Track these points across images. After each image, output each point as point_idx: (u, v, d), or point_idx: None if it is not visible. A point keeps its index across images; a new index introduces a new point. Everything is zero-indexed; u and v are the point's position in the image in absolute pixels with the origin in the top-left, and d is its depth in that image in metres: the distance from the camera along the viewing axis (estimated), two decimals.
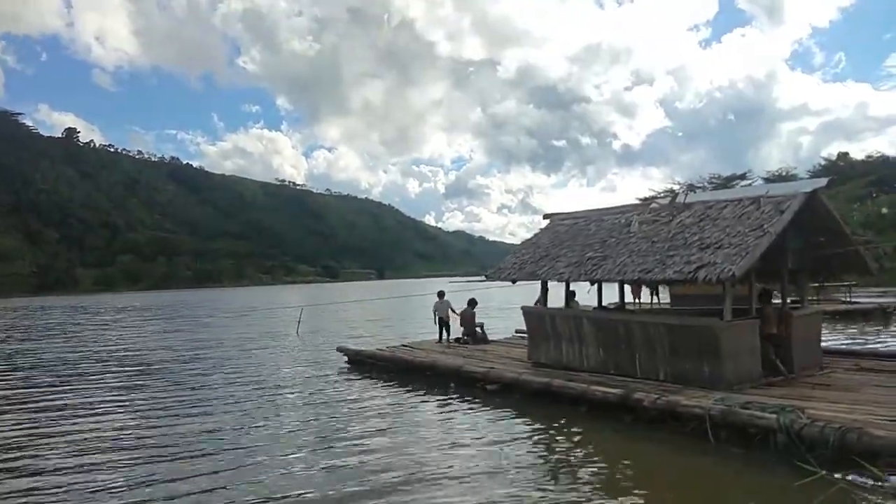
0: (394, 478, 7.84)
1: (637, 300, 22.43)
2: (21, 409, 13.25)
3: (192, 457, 9.07)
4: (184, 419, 11.55)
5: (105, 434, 10.63)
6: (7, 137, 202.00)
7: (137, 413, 12.33)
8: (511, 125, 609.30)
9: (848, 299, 29.65)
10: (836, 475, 6.69)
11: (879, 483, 6.61)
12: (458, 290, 20.83)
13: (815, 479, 5.17)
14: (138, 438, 10.28)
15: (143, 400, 13.72)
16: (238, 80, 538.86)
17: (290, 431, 10.51)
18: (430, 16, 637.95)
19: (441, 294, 19.70)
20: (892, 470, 6.60)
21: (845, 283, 27.69)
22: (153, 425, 11.18)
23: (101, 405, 13.25)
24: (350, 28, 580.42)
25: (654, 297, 22.22)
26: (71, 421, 11.80)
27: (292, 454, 9.11)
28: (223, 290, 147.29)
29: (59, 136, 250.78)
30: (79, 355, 22.70)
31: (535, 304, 14.79)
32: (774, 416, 7.81)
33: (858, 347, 16.33)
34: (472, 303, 18.82)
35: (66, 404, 13.51)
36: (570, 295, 15.18)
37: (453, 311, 19.18)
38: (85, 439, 10.31)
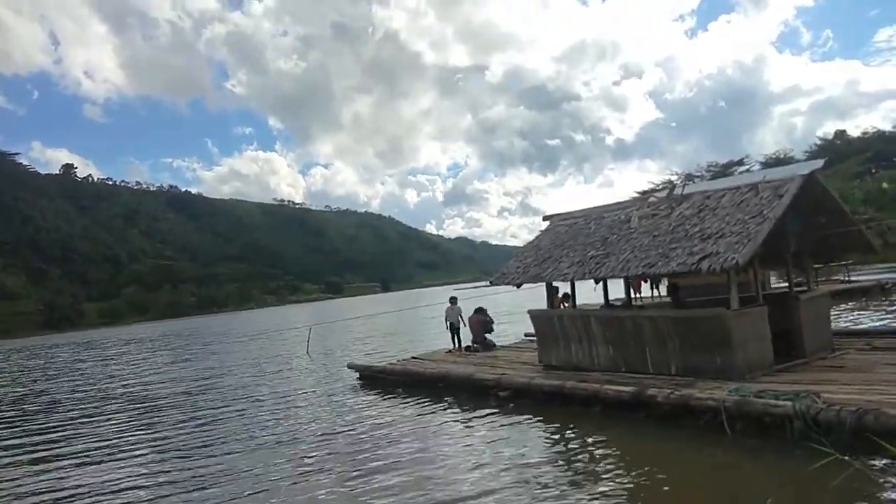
0: (423, 499, 7.71)
1: (637, 294, 22.36)
2: (30, 459, 12.58)
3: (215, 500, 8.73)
4: (202, 459, 10.92)
5: (120, 482, 9.97)
6: (5, 177, 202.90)
7: (152, 456, 11.64)
8: (503, 128, 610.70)
9: (847, 278, 29.62)
10: (855, 457, 6.66)
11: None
12: (465, 298, 20.79)
13: (830, 460, 5.13)
14: (156, 485, 9.62)
15: (158, 440, 12.95)
16: (228, 104, 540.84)
17: (309, 460, 10.13)
18: (414, 26, 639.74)
19: (453, 300, 19.70)
20: None
21: (843, 262, 27.69)
22: (170, 468, 10.50)
23: (113, 450, 12.49)
24: (335, 44, 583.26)
25: (655, 291, 22.15)
26: (81, 471, 11.03)
27: (316, 486, 8.90)
28: (229, 314, 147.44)
29: (57, 172, 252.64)
30: (87, 395, 22.29)
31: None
32: (790, 403, 7.78)
33: (870, 327, 16.26)
34: (480, 310, 18.81)
35: (75, 451, 12.76)
36: (565, 296, 15.22)
37: (461, 317, 19.20)
38: (98, 490, 9.70)
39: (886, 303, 23.17)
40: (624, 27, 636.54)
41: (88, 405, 19.44)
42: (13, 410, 20.38)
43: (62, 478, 10.78)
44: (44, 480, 10.70)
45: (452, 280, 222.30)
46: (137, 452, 12.10)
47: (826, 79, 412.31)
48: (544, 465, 8.48)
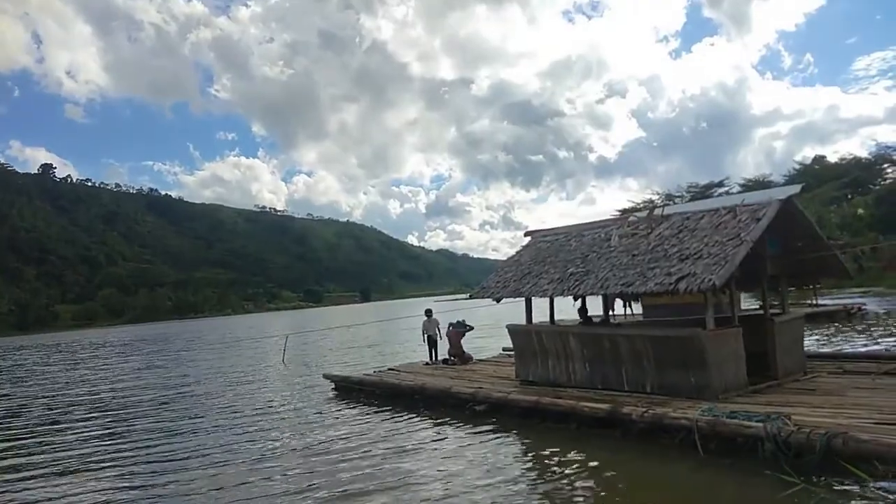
0: None
1: (611, 312, 22.39)
2: None
3: None
4: (169, 473, 10.33)
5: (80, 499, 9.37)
6: None
7: (117, 471, 10.85)
8: (487, 142, 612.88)
9: (814, 302, 30.12)
10: (823, 482, 6.76)
11: (863, 485, 6.67)
12: (444, 311, 20.79)
13: (798, 489, 5.19)
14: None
15: (123, 453, 12.14)
16: (212, 109, 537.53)
17: (277, 475, 9.86)
18: (401, 37, 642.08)
19: (429, 312, 19.70)
20: (881, 472, 6.67)
21: (810, 286, 28.18)
22: (136, 484, 9.88)
23: (75, 462, 11.72)
24: (321, 52, 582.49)
25: (628, 309, 22.24)
26: (38, 484, 10.30)
27: (285, 491, 8.90)
28: (206, 320, 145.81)
29: (35, 172, 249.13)
30: (50, 401, 21.34)
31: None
32: (761, 424, 7.85)
33: (841, 350, 16.51)
34: (460, 324, 18.83)
35: (33, 462, 11.93)
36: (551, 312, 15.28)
37: (438, 330, 19.20)
38: None
39: (849, 327, 23.62)
40: (609, 46, 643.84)
41: (51, 412, 18.74)
42: None
43: (17, 491, 10.04)
44: None
45: (433, 292, 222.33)
46: (99, 466, 11.30)
47: (806, 103, 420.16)
48: (517, 481, 8.45)
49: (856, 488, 6.74)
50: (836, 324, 25.09)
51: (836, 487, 6.83)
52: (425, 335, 19.31)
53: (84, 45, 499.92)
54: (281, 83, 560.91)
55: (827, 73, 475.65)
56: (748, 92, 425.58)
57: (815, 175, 73.31)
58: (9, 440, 14.73)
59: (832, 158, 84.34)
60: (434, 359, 18.62)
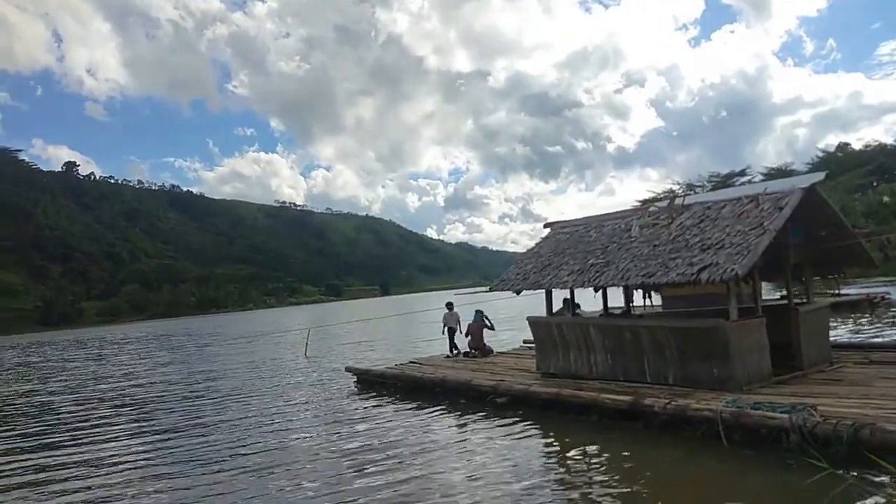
0: None
1: (631, 303, 22.15)
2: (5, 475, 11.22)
3: None
4: (199, 467, 10.35)
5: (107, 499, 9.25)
6: (7, 174, 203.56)
7: (141, 467, 10.80)
8: (504, 134, 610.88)
9: (837, 291, 29.66)
10: (850, 472, 6.67)
11: (893, 478, 6.57)
12: (463, 304, 20.79)
13: (825, 475, 5.13)
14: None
15: (147, 450, 12.08)
16: (230, 105, 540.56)
17: (300, 466, 10.09)
18: (417, 30, 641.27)
19: (450, 305, 19.75)
20: None
21: (832, 276, 27.71)
22: (160, 483, 9.71)
23: (100, 460, 11.53)
24: (338, 47, 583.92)
25: (648, 300, 22.01)
26: (61, 486, 10.06)
27: (306, 492, 8.88)
28: (228, 315, 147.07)
29: (59, 170, 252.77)
30: (75, 397, 21.15)
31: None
32: (786, 415, 7.77)
33: (867, 340, 16.28)
34: (479, 315, 18.82)
35: (59, 463, 11.58)
36: (567, 304, 15.23)
37: (459, 323, 19.22)
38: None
39: (874, 317, 23.25)
40: (627, 35, 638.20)
41: (78, 408, 18.66)
42: None
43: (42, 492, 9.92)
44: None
45: (453, 285, 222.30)
46: (125, 463, 11.14)
47: (829, 90, 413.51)
48: (540, 473, 8.47)
49: (885, 479, 6.65)
50: (859, 313, 24.72)
51: (863, 477, 6.74)
52: (446, 327, 19.34)
53: (103, 43, 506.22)
54: (298, 78, 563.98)
55: (850, 59, 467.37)
56: (769, 79, 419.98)
57: (839, 163, 72.19)
58: (31, 438, 14.63)
59: (856, 146, 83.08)
60: (454, 351, 18.65)
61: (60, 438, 14.24)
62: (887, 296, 29.10)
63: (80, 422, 16.26)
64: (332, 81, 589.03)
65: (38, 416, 18.17)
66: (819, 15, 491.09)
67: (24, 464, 11.90)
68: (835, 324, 20.56)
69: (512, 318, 19.85)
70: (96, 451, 12.54)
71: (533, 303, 16.28)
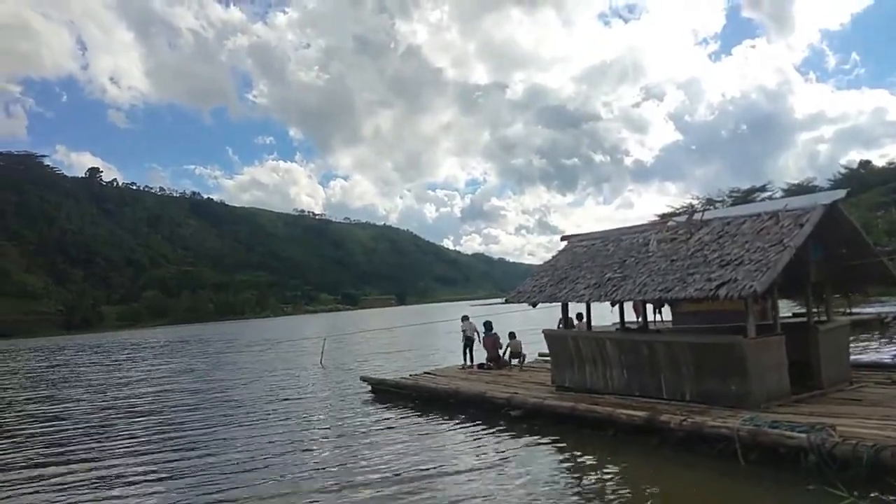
0: None
1: (639, 318, 21.92)
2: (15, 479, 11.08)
3: None
4: (217, 477, 10.21)
5: None
6: (32, 179, 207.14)
7: (158, 479, 10.50)
8: (522, 146, 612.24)
9: (847, 311, 29.15)
10: (869, 497, 6.55)
11: None
12: (479, 315, 20.79)
13: (847, 503, 5.04)
14: None
15: (164, 461, 11.76)
16: (250, 114, 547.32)
17: (316, 466, 10.42)
18: (436, 42, 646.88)
19: (465, 318, 19.80)
20: None
21: (853, 294, 27.29)
22: (188, 493, 9.47)
23: (113, 475, 10.93)
24: (357, 57, 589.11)
25: (658, 315, 21.75)
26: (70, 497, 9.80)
27: (321, 488, 9.05)
28: (246, 322, 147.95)
29: (83, 176, 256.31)
30: (91, 405, 20.64)
31: (560, 325, 14.75)
32: (805, 435, 7.66)
33: (888, 360, 16.00)
34: (488, 326, 18.81)
35: (67, 480, 10.81)
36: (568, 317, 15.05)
37: (477, 333, 19.22)
38: None
39: (886, 338, 22.81)
40: (646, 49, 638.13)
41: (93, 416, 18.30)
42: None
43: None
44: None
45: (469, 296, 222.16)
46: (141, 473, 11.01)
47: (852, 106, 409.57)
48: (554, 487, 8.42)
49: None
50: (870, 333, 24.27)
51: (884, 501, 6.62)
52: (465, 334, 19.41)
53: (126, 51, 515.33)
54: (317, 88, 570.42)
55: (873, 75, 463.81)
56: (790, 95, 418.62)
57: (861, 180, 71.11)
58: (37, 447, 14.18)
59: (879, 163, 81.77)
60: (470, 362, 18.61)
61: (78, 444, 14.32)
62: None
63: (93, 427, 16.30)
64: (350, 92, 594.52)
65: (45, 424, 18.06)
66: (842, 29, 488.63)
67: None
68: (857, 344, 20.23)
69: (522, 331, 19.76)
70: (97, 463, 11.97)
71: (553, 315, 16.19)
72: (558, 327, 14.87)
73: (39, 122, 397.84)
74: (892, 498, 6.65)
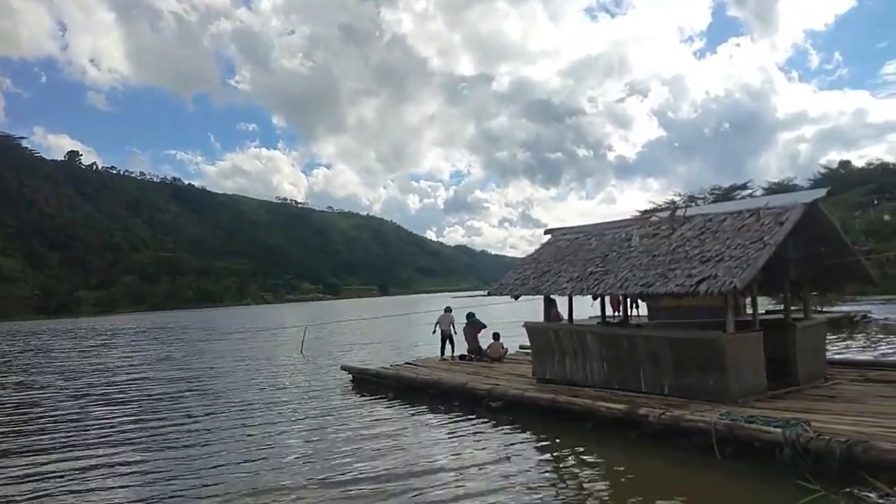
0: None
1: (616, 313, 21.97)
2: None
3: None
4: (193, 465, 10.17)
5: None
6: (10, 161, 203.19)
7: (133, 474, 10.01)
8: (506, 139, 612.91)
9: (819, 309, 29.61)
10: (840, 491, 6.67)
11: (886, 497, 6.57)
12: (460, 307, 20.81)
13: (818, 496, 5.12)
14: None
15: (138, 452, 11.33)
16: (233, 100, 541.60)
17: (296, 458, 10.34)
18: (422, 31, 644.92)
19: (448, 309, 19.75)
20: None
21: (816, 293, 27.68)
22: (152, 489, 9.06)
23: (86, 468, 10.43)
24: (342, 45, 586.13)
25: (634, 310, 21.83)
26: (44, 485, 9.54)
27: (300, 482, 9.00)
28: (225, 309, 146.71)
29: (62, 159, 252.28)
30: (65, 392, 20.02)
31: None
32: (780, 430, 7.78)
33: (863, 357, 16.28)
34: (471, 319, 18.77)
35: (35, 472, 10.31)
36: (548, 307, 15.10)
37: (453, 326, 19.19)
38: None
39: (858, 334, 23.19)
40: (632, 45, 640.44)
41: (68, 402, 17.95)
42: None
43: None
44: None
45: (451, 287, 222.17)
46: (116, 464, 10.60)
47: (833, 107, 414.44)
48: (531, 479, 8.48)
49: (876, 499, 6.65)
50: (840, 331, 24.64)
51: (856, 495, 6.74)
52: (439, 329, 19.33)
53: (107, 33, 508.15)
54: (301, 76, 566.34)
55: (855, 77, 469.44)
56: (773, 94, 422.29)
57: (841, 180, 72.05)
58: (21, 434, 13.83)
59: (858, 163, 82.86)
60: (450, 354, 18.63)
61: (51, 434, 14.07)
62: (868, 314, 29.16)
63: (66, 416, 15.89)
64: (335, 80, 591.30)
65: (20, 411, 17.84)
66: (826, 30, 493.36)
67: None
68: (835, 341, 20.53)
69: (506, 324, 19.82)
70: (67, 453, 11.57)
71: (535, 307, 16.25)
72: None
73: (17, 103, 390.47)
74: (863, 491, 6.77)
